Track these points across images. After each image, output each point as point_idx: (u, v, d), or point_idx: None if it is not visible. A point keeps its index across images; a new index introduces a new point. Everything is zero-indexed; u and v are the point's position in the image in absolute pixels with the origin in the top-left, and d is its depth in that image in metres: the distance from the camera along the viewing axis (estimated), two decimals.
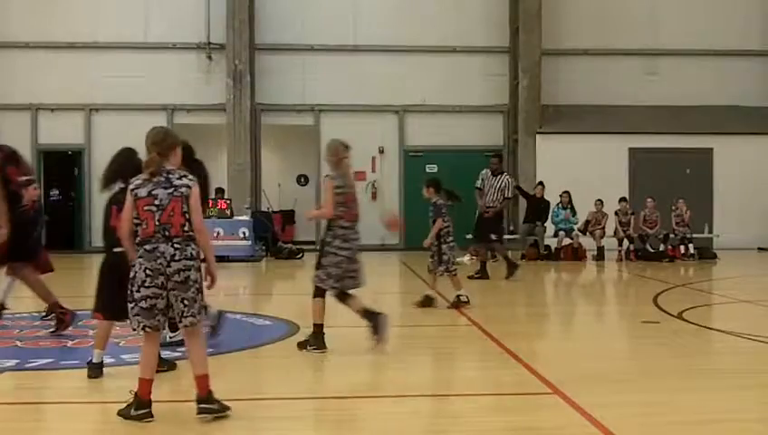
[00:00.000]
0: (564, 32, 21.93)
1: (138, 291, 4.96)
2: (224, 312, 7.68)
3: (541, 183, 19.14)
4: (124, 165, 6.07)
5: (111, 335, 7.83)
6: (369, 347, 7.07)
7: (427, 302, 9.97)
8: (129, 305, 5.02)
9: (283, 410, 5.35)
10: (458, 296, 9.99)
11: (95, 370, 6.17)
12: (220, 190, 19.92)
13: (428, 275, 10.57)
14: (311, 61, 21.87)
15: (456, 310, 9.66)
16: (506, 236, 17.54)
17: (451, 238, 10.05)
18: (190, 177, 5.17)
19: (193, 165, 6.98)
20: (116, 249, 5.74)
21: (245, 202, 19.89)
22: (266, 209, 21.40)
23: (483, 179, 14.15)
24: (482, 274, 13.82)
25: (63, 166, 22.15)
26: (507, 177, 14.08)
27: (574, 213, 18.66)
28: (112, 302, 5.83)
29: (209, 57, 21.47)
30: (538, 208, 18.57)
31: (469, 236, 18.66)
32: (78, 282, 15.53)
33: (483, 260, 14.13)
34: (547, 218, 18.59)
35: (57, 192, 22.44)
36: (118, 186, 5.99)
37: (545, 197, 18.81)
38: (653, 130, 20.97)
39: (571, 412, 5.07)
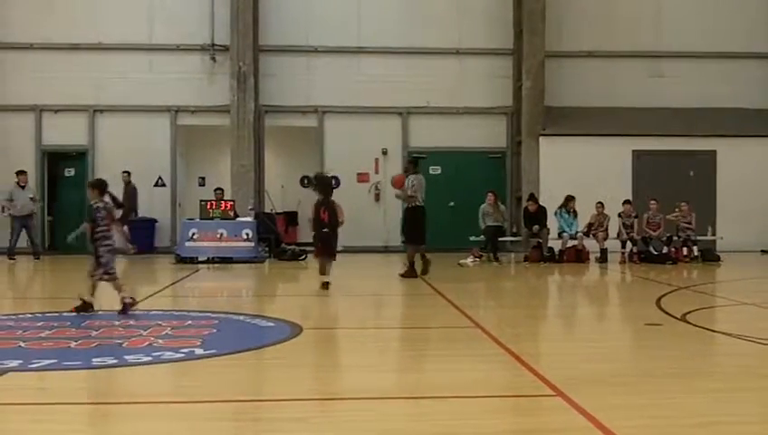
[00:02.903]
0: (568, 34, 21.94)
1: None
2: None
3: (532, 196, 18.96)
4: (328, 182, 12.60)
5: (114, 336, 7.89)
6: (373, 348, 7.04)
7: (84, 307, 9.42)
8: None
9: (286, 411, 5.35)
10: (123, 299, 9.48)
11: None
12: (219, 190, 19.93)
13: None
14: (314, 62, 21.90)
15: (123, 314, 9.26)
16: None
17: (108, 242, 9.63)
18: None
19: None
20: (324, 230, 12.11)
21: (249, 203, 19.90)
22: (269, 211, 21.42)
23: None
24: (408, 272, 14.20)
25: (69, 167, 22.17)
26: (412, 176, 14.34)
27: (575, 216, 18.64)
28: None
29: (213, 59, 21.50)
30: (534, 221, 18.48)
31: (472, 238, 18.76)
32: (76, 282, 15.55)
33: (411, 259, 14.40)
34: (545, 224, 18.50)
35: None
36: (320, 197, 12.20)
37: (542, 204, 18.73)
38: (657, 133, 20.98)
39: (574, 414, 5.07)
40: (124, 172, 20.79)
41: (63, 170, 22.08)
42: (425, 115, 22.07)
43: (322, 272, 12.19)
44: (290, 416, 5.22)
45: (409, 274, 14.22)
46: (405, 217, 14.60)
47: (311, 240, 21.25)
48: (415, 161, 15.20)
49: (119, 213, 10.11)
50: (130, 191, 20.51)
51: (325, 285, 11.99)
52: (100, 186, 9.86)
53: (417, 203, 14.27)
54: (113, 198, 10.31)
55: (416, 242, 14.45)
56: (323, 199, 12.25)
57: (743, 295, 12.12)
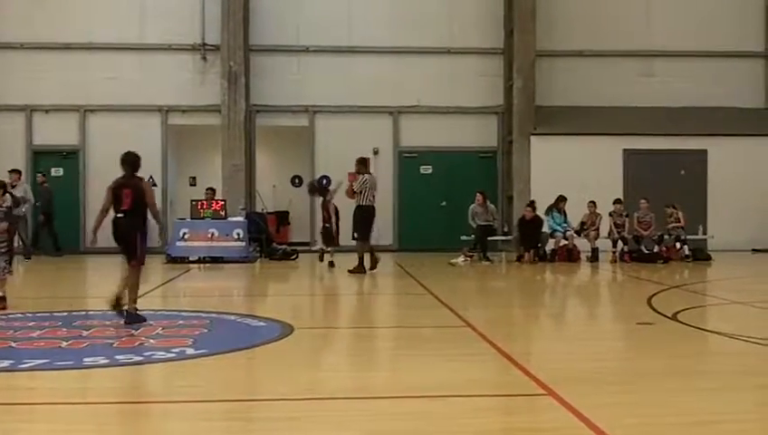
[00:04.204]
0: (559, 33, 21.94)
1: None
2: None
3: (532, 203, 18.80)
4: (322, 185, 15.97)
5: (105, 336, 7.86)
6: (364, 347, 7.04)
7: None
8: None
9: (279, 410, 5.35)
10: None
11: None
12: (211, 190, 19.89)
13: None
14: (305, 62, 21.86)
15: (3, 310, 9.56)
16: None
17: (5, 241, 9.94)
18: None
19: None
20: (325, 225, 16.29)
21: (240, 203, 19.87)
22: (261, 210, 21.38)
23: None
24: (357, 268, 14.82)
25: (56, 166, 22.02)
26: (367, 176, 15.24)
27: (565, 216, 18.64)
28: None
29: (204, 58, 21.45)
30: (530, 230, 18.33)
31: (464, 238, 18.77)
32: (77, 282, 15.52)
33: (360, 255, 15.00)
34: (540, 237, 18.41)
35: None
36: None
37: (538, 214, 18.64)
38: (647, 132, 21.01)
39: (566, 414, 5.07)
40: (38, 173, 20.62)
41: (51, 170, 21.89)
42: (416, 114, 22.06)
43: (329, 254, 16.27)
44: (282, 415, 5.22)
45: (358, 270, 14.76)
46: (354, 215, 15.24)
47: (302, 240, 21.57)
48: (364, 161, 15.67)
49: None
50: (45, 193, 20.21)
51: (330, 264, 16.04)
52: (5, 186, 10.36)
53: (366, 202, 15.03)
54: (12, 197, 10.57)
55: (366, 239, 15.14)
56: (325, 200, 16.54)
57: (734, 294, 12.16)
